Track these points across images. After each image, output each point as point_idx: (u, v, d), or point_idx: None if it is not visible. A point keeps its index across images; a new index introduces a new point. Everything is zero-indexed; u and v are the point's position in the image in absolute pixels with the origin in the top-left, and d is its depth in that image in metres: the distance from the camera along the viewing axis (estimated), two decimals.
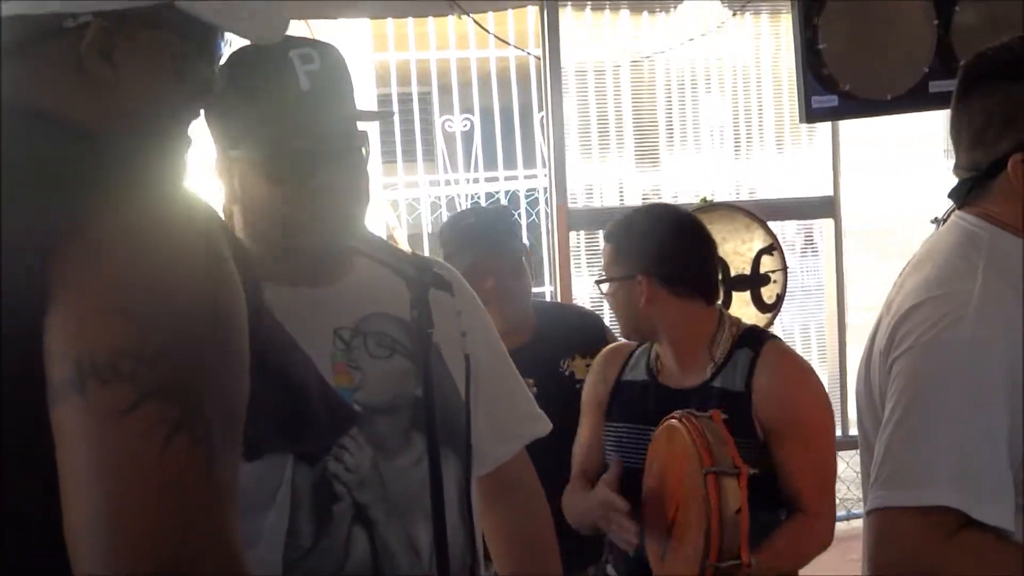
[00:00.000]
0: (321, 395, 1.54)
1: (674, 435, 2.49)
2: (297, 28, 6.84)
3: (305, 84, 1.74)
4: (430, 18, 6.46)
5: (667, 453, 2.54)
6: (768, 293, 4.31)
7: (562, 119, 4.48)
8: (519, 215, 8.43)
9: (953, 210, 1.94)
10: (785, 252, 4.59)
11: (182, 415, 1.05)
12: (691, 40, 4.84)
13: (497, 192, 8.54)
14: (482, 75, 8.13)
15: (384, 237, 8.89)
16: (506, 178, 8.58)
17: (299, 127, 1.75)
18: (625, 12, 4.86)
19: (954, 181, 1.91)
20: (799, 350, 4.93)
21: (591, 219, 4.67)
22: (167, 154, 1.33)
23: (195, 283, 1.10)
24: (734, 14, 4.81)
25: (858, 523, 2.66)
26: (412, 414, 1.85)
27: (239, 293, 1.15)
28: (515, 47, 5.49)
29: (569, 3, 4.66)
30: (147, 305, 1.07)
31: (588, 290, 5.73)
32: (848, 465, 5.00)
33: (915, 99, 3.97)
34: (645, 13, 4.87)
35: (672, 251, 2.78)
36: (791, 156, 5.15)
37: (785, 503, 2.63)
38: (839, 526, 2.82)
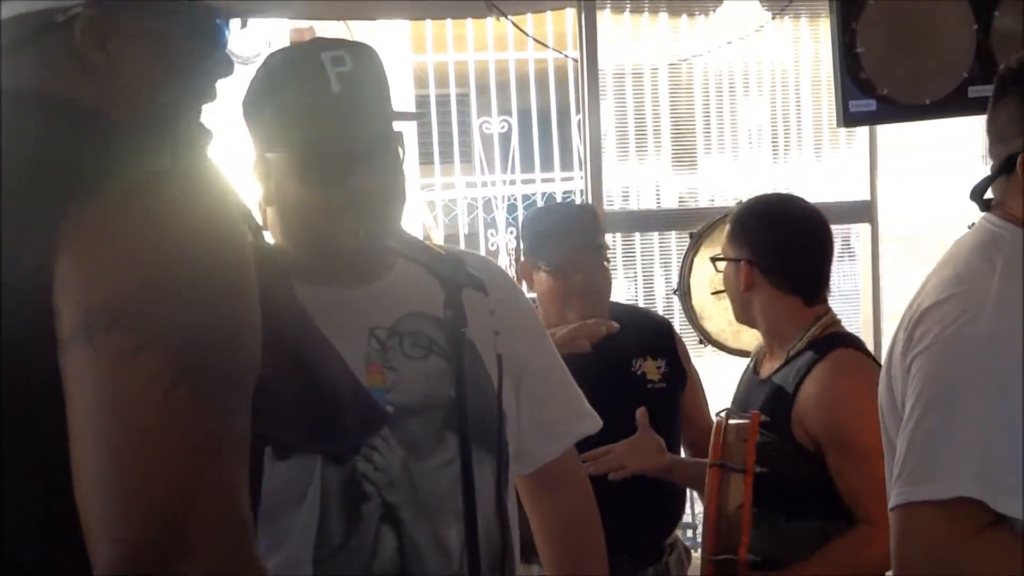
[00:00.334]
0: (353, 396, 1.55)
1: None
2: (336, 29, 6.90)
3: (336, 87, 1.74)
4: (468, 20, 6.47)
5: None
6: None
7: (599, 121, 4.48)
8: None
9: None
10: None
11: (185, 365, 1.07)
12: (730, 43, 4.84)
13: (533, 194, 8.55)
14: (520, 77, 8.15)
15: (421, 238, 8.87)
16: (542, 180, 8.59)
17: (330, 130, 1.76)
18: (664, 15, 4.85)
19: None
20: None
21: (627, 221, 4.67)
22: (177, 132, 1.33)
23: (202, 245, 1.12)
24: (773, 17, 4.79)
25: None
26: (445, 415, 1.85)
27: (249, 262, 1.16)
28: (553, 49, 5.50)
29: (608, 6, 4.66)
30: (154, 261, 1.09)
31: (625, 291, 5.73)
32: None
33: (954, 104, 3.94)
34: (684, 16, 4.87)
35: (776, 245, 2.79)
36: (829, 160, 5.14)
37: (846, 513, 2.61)
38: None
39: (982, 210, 1.90)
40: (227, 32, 1.38)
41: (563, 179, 8.54)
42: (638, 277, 6.22)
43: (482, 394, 1.84)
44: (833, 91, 4.05)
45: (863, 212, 4.84)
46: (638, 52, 4.86)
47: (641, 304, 5.68)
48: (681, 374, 3.19)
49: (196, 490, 1.06)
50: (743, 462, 2.42)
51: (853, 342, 2.80)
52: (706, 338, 4.07)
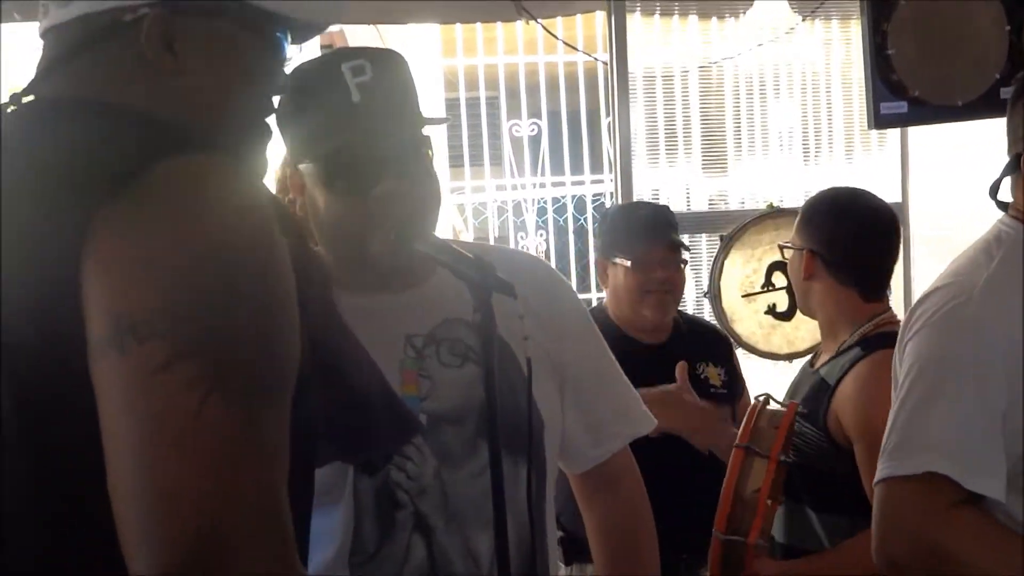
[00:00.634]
0: (386, 404, 1.54)
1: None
2: (366, 33, 6.90)
3: (356, 96, 1.75)
4: (498, 23, 6.48)
5: None
6: None
7: (628, 124, 4.48)
8: (584, 220, 8.43)
9: None
10: None
11: (217, 374, 1.05)
12: (760, 46, 4.82)
13: (563, 197, 8.54)
14: (550, 79, 8.14)
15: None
16: (572, 183, 8.57)
17: (352, 140, 1.77)
18: (694, 17, 4.84)
19: None
20: None
21: None
22: (234, 142, 1.34)
23: (235, 246, 1.11)
24: (804, 19, 4.78)
25: None
26: (479, 423, 1.85)
27: (285, 259, 1.15)
28: (583, 52, 5.50)
29: (638, 9, 4.66)
30: (185, 264, 1.08)
31: None
32: None
33: (986, 105, 3.92)
34: (714, 18, 4.86)
35: (838, 237, 2.82)
36: (860, 162, 5.11)
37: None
38: None
39: (1001, 210, 1.94)
40: (287, 44, 1.38)
41: (593, 182, 8.52)
42: None
43: (516, 400, 1.84)
44: (864, 93, 4.04)
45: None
46: (668, 54, 4.85)
47: None
48: (738, 384, 3.29)
49: (235, 498, 1.04)
50: (769, 448, 2.43)
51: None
52: (736, 340, 4.07)
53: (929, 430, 1.77)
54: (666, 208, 3.48)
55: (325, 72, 1.79)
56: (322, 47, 7.90)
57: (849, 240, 2.82)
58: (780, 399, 2.72)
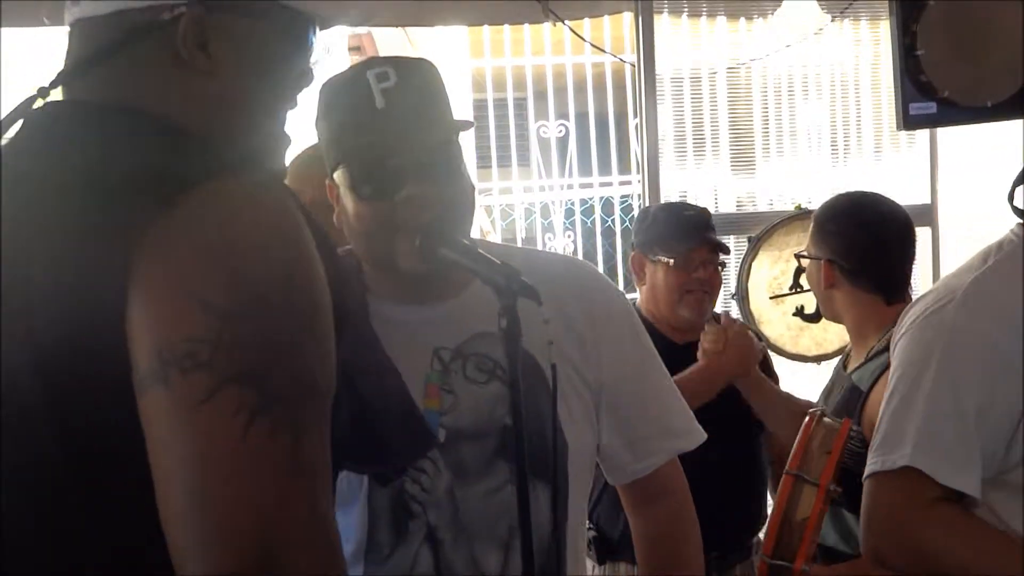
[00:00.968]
0: (403, 417, 1.54)
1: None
2: (394, 35, 6.92)
3: (380, 102, 1.76)
4: (526, 25, 6.48)
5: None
6: None
7: (656, 125, 4.47)
8: (612, 222, 8.42)
9: None
10: None
11: (261, 399, 1.07)
12: (788, 46, 4.81)
13: (591, 198, 8.53)
14: (578, 81, 8.14)
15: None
16: (600, 184, 8.57)
17: (376, 144, 1.77)
18: (722, 19, 4.83)
19: None
20: None
21: None
22: (259, 146, 1.35)
23: (273, 273, 1.12)
24: (832, 19, 4.77)
25: None
26: (499, 441, 1.85)
27: (322, 280, 1.16)
28: (610, 53, 5.50)
29: (666, 9, 4.65)
30: (223, 292, 1.09)
31: None
32: None
33: (1016, 106, 3.89)
34: (742, 19, 4.85)
35: (858, 246, 2.85)
36: (889, 163, 5.09)
37: None
38: None
39: (1019, 217, 1.96)
40: (314, 40, 1.39)
41: (621, 183, 8.52)
42: None
43: (541, 422, 1.83)
44: (893, 93, 4.02)
45: (924, 215, 4.79)
46: (696, 55, 4.84)
47: None
48: (774, 380, 3.33)
49: (285, 520, 1.06)
50: (819, 476, 2.43)
51: None
52: (764, 342, 4.06)
53: (908, 426, 1.83)
54: (704, 210, 3.50)
55: (352, 81, 1.81)
56: (349, 49, 7.94)
57: (867, 248, 2.84)
58: (818, 405, 2.72)
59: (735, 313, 4.35)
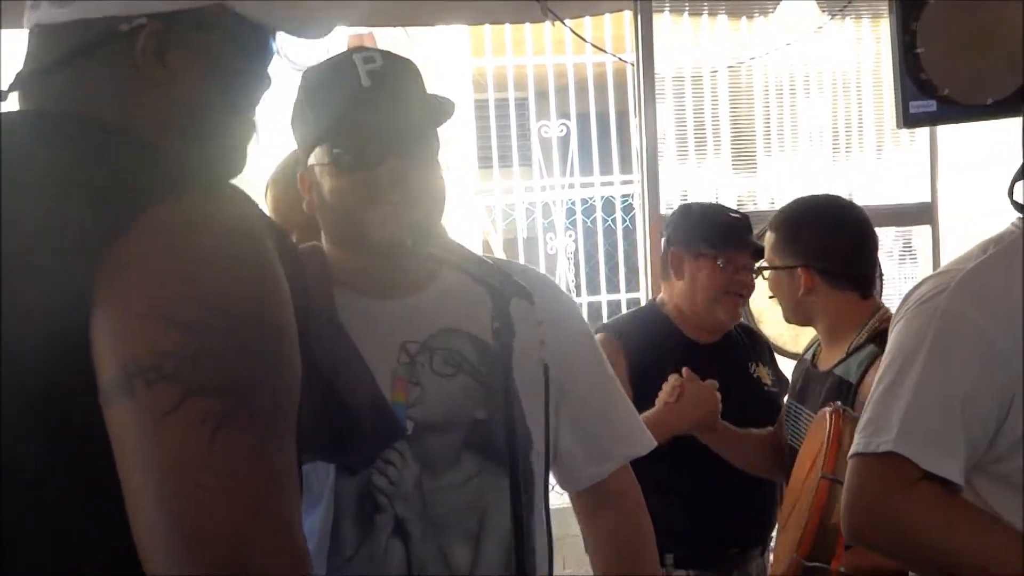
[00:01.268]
0: (372, 409, 1.55)
1: (819, 430, 2.58)
2: (395, 35, 6.89)
3: (366, 81, 1.80)
4: (526, 24, 6.49)
5: (809, 446, 2.64)
6: None
7: (655, 124, 4.47)
8: (612, 221, 8.43)
9: None
10: (883, 259, 4.53)
11: (227, 410, 1.07)
12: (788, 44, 4.81)
13: (592, 197, 8.54)
14: (579, 80, 8.15)
15: (480, 243, 8.80)
16: (602, 183, 8.58)
17: (360, 118, 1.80)
18: (723, 17, 4.84)
19: None
20: None
21: None
22: (219, 156, 1.35)
23: (235, 280, 1.12)
24: (832, 18, 4.77)
25: None
26: (466, 434, 1.86)
27: (282, 284, 1.16)
28: (610, 53, 5.50)
29: (667, 8, 4.65)
30: (188, 305, 1.09)
31: None
32: None
33: (1016, 103, 3.89)
34: (743, 18, 4.85)
35: (833, 247, 2.90)
36: (890, 161, 5.09)
37: None
38: None
39: (1018, 212, 1.98)
40: (274, 47, 1.39)
41: (623, 182, 8.52)
42: None
43: (508, 413, 1.83)
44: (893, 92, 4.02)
45: (924, 214, 4.79)
46: (697, 54, 4.85)
47: None
48: (783, 383, 3.36)
49: (253, 527, 1.07)
50: None
51: None
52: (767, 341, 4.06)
53: (895, 411, 1.85)
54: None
55: (337, 64, 1.85)
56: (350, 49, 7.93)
57: (846, 248, 2.91)
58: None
59: None
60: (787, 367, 4.13)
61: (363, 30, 7.30)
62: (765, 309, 4.23)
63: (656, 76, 4.50)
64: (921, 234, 4.98)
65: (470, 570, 1.84)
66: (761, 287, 3.14)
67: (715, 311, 3.22)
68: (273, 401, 1.12)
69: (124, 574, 1.11)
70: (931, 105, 3.94)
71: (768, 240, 3.00)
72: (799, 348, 4.11)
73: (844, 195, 5.18)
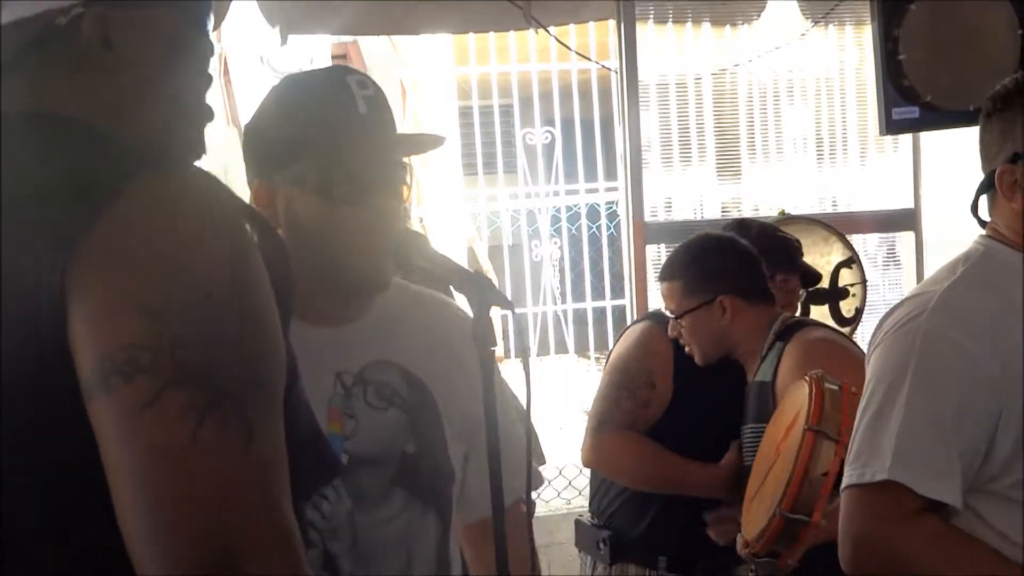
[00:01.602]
0: (312, 441, 1.53)
1: (796, 395, 2.64)
2: (380, 43, 6.91)
3: (363, 108, 1.75)
4: (511, 32, 6.49)
5: (783, 416, 2.69)
6: (847, 307, 4.26)
7: (638, 132, 4.47)
8: (597, 228, 8.43)
9: None
10: (867, 265, 4.55)
11: (209, 398, 1.05)
12: (772, 51, 4.82)
13: (577, 204, 8.55)
14: (563, 87, 8.16)
15: (465, 250, 8.79)
16: (587, 190, 8.59)
17: (358, 148, 1.76)
18: (707, 24, 4.84)
19: None
20: None
21: (670, 232, 4.66)
22: (180, 134, 1.32)
23: (205, 262, 1.10)
24: (815, 24, 4.78)
25: None
26: (396, 469, 1.83)
27: (262, 272, 1.14)
28: (593, 61, 5.50)
29: (651, 16, 4.66)
30: (160, 295, 1.07)
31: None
32: None
33: None
34: (727, 25, 4.86)
35: (743, 268, 3.04)
36: (874, 167, 5.10)
37: None
38: None
39: (981, 227, 2.00)
40: (211, 15, 1.36)
41: (607, 189, 8.54)
42: None
43: (432, 448, 1.86)
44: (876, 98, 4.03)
45: (907, 220, 4.81)
46: (681, 62, 4.85)
47: None
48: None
49: (241, 518, 1.05)
50: (838, 432, 2.50)
51: (810, 322, 3.10)
52: None
53: (885, 438, 1.84)
54: None
55: (329, 82, 1.79)
56: (334, 57, 7.93)
57: (751, 266, 3.05)
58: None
59: None
60: None
61: (347, 38, 7.31)
62: None
63: (640, 83, 4.51)
64: (905, 240, 4.99)
65: None
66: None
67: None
68: (257, 387, 1.10)
69: (124, 573, 1.10)
70: (914, 112, 3.96)
71: (674, 288, 3.06)
72: None
73: (828, 201, 5.25)
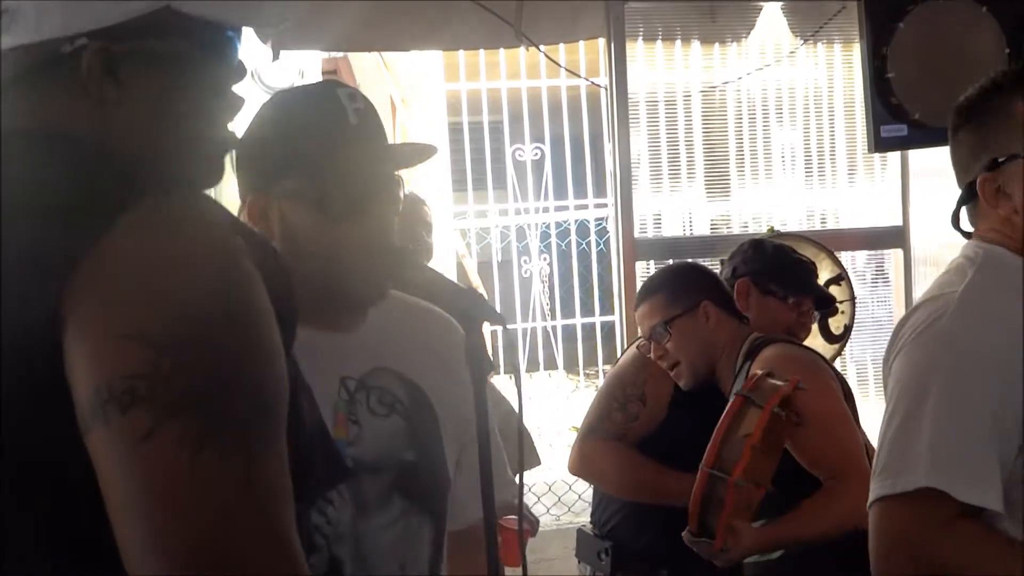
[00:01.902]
0: (322, 445, 1.52)
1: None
2: (370, 59, 6.91)
3: (354, 120, 1.75)
4: (501, 49, 6.51)
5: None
6: (836, 324, 4.26)
7: (628, 149, 4.49)
8: (587, 244, 8.44)
9: None
10: (856, 282, 4.56)
11: (207, 426, 1.04)
12: (761, 69, 4.83)
13: (566, 221, 8.56)
14: (553, 104, 8.17)
15: (454, 266, 8.78)
16: (576, 207, 8.60)
17: (350, 160, 1.76)
18: (696, 42, 4.86)
19: None
20: (869, 379, 4.90)
21: (659, 248, 4.67)
22: (189, 165, 1.30)
23: (206, 292, 1.09)
24: (804, 43, 4.79)
25: None
26: (395, 476, 1.84)
27: (262, 295, 1.13)
28: (584, 78, 5.51)
29: (640, 34, 4.67)
30: (157, 323, 1.06)
31: None
32: None
33: None
34: (716, 44, 4.87)
35: (717, 283, 3.17)
36: (862, 185, 5.12)
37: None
38: None
39: (965, 238, 1.99)
40: (238, 44, 1.32)
41: (597, 206, 8.55)
42: None
43: (430, 455, 1.87)
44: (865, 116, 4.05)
45: (896, 237, 4.82)
46: (671, 79, 4.86)
47: None
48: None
49: (245, 545, 1.04)
50: (765, 401, 2.60)
51: (778, 339, 3.10)
52: None
53: (918, 445, 1.78)
54: None
55: (319, 95, 1.80)
56: (324, 73, 7.95)
57: (723, 285, 3.18)
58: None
59: None
60: None
61: (337, 54, 7.31)
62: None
63: (630, 100, 4.52)
64: (893, 257, 5.00)
65: None
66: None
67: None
68: (257, 411, 1.09)
69: None
70: (902, 129, 3.98)
71: (655, 302, 3.12)
72: None
73: (817, 218, 5.26)
